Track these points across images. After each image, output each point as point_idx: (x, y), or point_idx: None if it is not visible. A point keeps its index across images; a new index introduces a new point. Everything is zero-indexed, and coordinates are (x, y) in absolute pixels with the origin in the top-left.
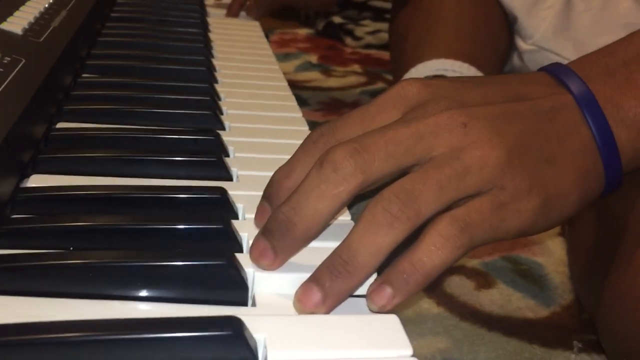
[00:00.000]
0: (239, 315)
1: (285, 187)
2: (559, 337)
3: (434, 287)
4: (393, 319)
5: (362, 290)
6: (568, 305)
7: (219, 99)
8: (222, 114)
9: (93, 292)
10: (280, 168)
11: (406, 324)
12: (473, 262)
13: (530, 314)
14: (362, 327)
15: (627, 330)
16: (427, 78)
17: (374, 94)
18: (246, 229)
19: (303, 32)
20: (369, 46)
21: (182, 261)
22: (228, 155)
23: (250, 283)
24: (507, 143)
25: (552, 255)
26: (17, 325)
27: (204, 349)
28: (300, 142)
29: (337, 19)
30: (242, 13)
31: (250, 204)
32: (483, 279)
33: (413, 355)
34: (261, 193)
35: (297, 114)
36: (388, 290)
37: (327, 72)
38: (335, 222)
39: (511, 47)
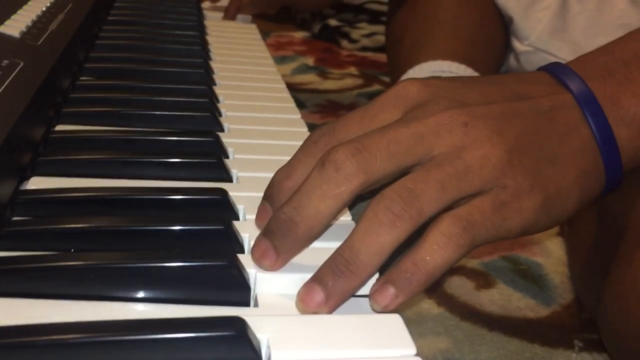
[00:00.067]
0: (241, 316)
1: (286, 187)
2: (559, 337)
3: (434, 288)
4: (396, 319)
5: (365, 290)
6: (568, 305)
7: (218, 101)
8: (220, 115)
9: (94, 293)
10: (281, 169)
11: (407, 324)
12: (473, 263)
13: (530, 314)
14: (365, 327)
15: (629, 329)
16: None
17: (371, 96)
18: (247, 230)
19: (299, 35)
20: (365, 49)
21: (184, 262)
22: (227, 157)
23: (252, 284)
24: (507, 142)
25: (551, 255)
26: (18, 327)
27: (207, 350)
28: (299, 143)
29: (333, 22)
30: (239, 15)
31: (251, 205)
32: (483, 279)
33: (416, 355)
34: (261, 194)
35: (296, 115)
36: (391, 290)
37: (323, 75)
38: (336, 222)
39: (507, 48)
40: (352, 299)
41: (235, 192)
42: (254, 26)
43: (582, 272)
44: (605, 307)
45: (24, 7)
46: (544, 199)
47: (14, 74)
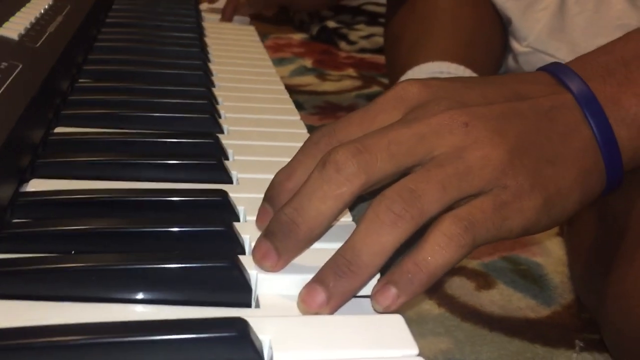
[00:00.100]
0: (243, 317)
1: (287, 188)
2: (560, 337)
3: (434, 289)
4: (398, 319)
5: (367, 290)
6: (568, 305)
7: (217, 102)
8: (220, 117)
9: (95, 295)
10: (281, 170)
11: (407, 325)
12: (473, 263)
13: (531, 314)
14: (367, 327)
15: (631, 328)
16: None
17: (370, 98)
18: (248, 231)
19: (297, 37)
20: (363, 50)
21: (185, 263)
22: (227, 158)
23: (254, 285)
24: (508, 142)
25: (551, 255)
26: (18, 329)
27: (209, 351)
28: (299, 144)
29: (331, 24)
30: (237, 17)
31: (251, 206)
32: (483, 280)
33: (419, 355)
34: (261, 195)
35: (295, 116)
36: (393, 291)
37: (322, 76)
38: (337, 223)
39: (506, 49)
40: (354, 300)
41: (235, 194)
42: (252, 28)
43: (582, 272)
44: (606, 307)
45: (23, 9)
46: (545, 199)
47: (12, 76)
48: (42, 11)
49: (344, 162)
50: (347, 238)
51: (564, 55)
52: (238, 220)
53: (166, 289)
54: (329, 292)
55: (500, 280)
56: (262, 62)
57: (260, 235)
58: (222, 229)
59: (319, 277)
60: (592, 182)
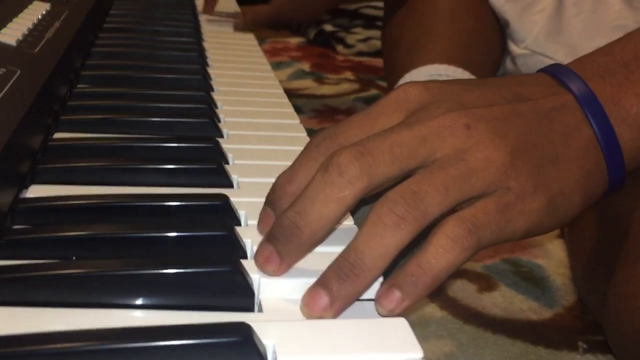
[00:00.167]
0: (246, 322)
1: (288, 192)
2: (563, 339)
3: (437, 292)
4: (402, 322)
5: (370, 294)
6: (571, 307)
7: (216, 106)
8: (219, 121)
9: (97, 301)
10: (282, 173)
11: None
12: (474, 266)
13: (533, 316)
14: (371, 331)
15: (636, 329)
16: None
17: (368, 101)
18: (249, 235)
19: (294, 40)
20: (360, 53)
21: (187, 268)
22: (227, 163)
23: (256, 289)
24: (509, 144)
25: (552, 257)
26: (19, 336)
27: (213, 356)
28: (299, 148)
29: (328, 27)
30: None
31: (253, 210)
32: (485, 282)
33: (423, 358)
34: (262, 199)
35: (295, 120)
36: (397, 294)
37: (320, 80)
38: (339, 227)
39: (504, 51)
40: (358, 303)
41: (236, 198)
42: (250, 33)
43: (584, 273)
44: (610, 308)
45: (20, 15)
46: (548, 200)
47: (11, 82)
48: (40, 17)
49: (346, 165)
50: (349, 241)
51: (562, 57)
52: (239, 224)
53: (168, 294)
54: (332, 295)
55: (502, 283)
56: (261, 66)
57: (263, 239)
58: (224, 233)
59: (322, 280)
60: (594, 183)
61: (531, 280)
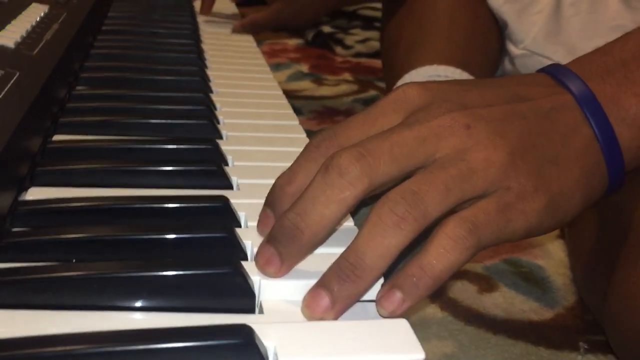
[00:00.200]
0: (247, 323)
1: (288, 193)
2: (564, 339)
3: (437, 293)
4: (403, 323)
5: (371, 295)
6: (571, 307)
7: (215, 108)
8: (218, 123)
9: (97, 303)
10: (282, 174)
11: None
12: (475, 267)
13: (534, 317)
14: (373, 332)
15: (637, 329)
16: None
17: (367, 102)
18: (250, 237)
19: (293, 42)
20: (359, 55)
21: (188, 270)
22: (227, 164)
23: (257, 291)
24: (509, 144)
25: (552, 257)
26: (20, 339)
27: (214, 359)
28: (298, 149)
29: (326, 29)
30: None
31: (253, 211)
32: (485, 283)
33: (426, 359)
34: (262, 200)
35: (294, 121)
36: (398, 295)
37: (318, 81)
38: (340, 228)
39: (502, 52)
40: (359, 304)
41: (236, 199)
42: (249, 34)
43: (585, 273)
44: (611, 308)
45: (19, 17)
46: (548, 200)
47: (10, 84)
48: (38, 19)
49: (347, 166)
50: (349, 243)
51: (561, 57)
52: (239, 226)
53: (168, 296)
54: (334, 296)
55: (502, 283)
56: (260, 67)
57: (263, 241)
58: (224, 235)
59: (323, 281)
60: (594, 183)
61: (532, 281)
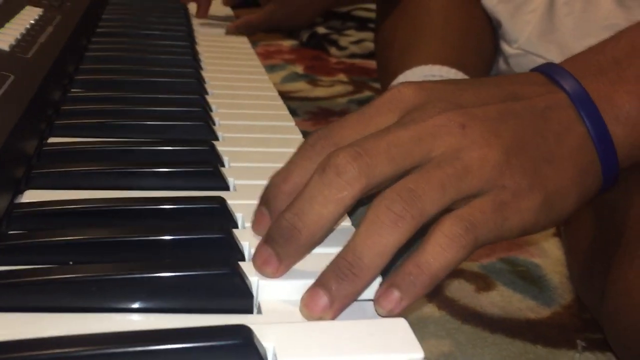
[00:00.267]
0: (245, 324)
1: (283, 191)
2: (562, 337)
3: (434, 292)
4: (402, 323)
5: (369, 294)
6: (569, 305)
7: (211, 109)
8: (214, 124)
9: (95, 305)
10: (277, 173)
11: None
12: (471, 265)
13: (531, 315)
14: (371, 332)
15: (636, 327)
16: None
17: (362, 103)
18: (247, 238)
19: (287, 43)
20: (353, 55)
21: (185, 271)
22: (223, 165)
23: (255, 291)
24: (504, 143)
25: (549, 255)
26: (17, 342)
27: (214, 359)
28: (294, 150)
29: (321, 30)
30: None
31: (249, 212)
32: (482, 282)
33: (424, 358)
34: None
35: (290, 122)
36: (396, 294)
37: (313, 82)
38: (337, 228)
39: (496, 51)
40: (357, 304)
41: (233, 200)
42: (243, 36)
43: (581, 271)
44: (608, 306)
45: (12, 20)
46: (543, 198)
47: (4, 87)
48: (33, 22)
49: (344, 165)
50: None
51: (555, 56)
52: (236, 227)
53: (167, 297)
54: (332, 295)
55: (499, 282)
56: (255, 68)
57: (261, 241)
58: (221, 235)
59: (320, 281)
60: (588, 181)
61: (528, 279)
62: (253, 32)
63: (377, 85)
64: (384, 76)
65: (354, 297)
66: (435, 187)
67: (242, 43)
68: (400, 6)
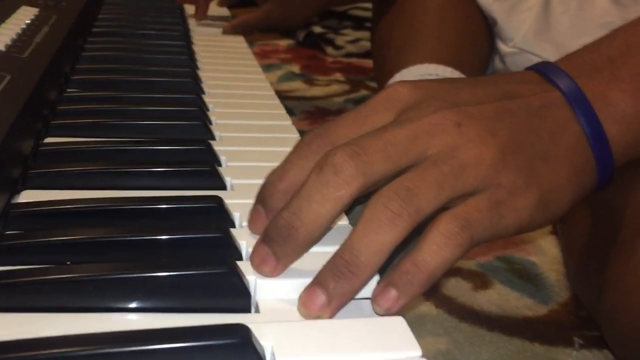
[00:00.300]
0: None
1: (280, 189)
2: (559, 335)
3: (432, 290)
4: (399, 321)
5: (367, 292)
6: (565, 303)
7: (207, 109)
8: (211, 124)
9: (92, 305)
10: (273, 171)
11: None
12: (468, 264)
13: (529, 313)
14: (369, 330)
15: (633, 324)
16: None
17: (358, 102)
18: (244, 237)
19: (284, 43)
20: (350, 55)
21: (183, 271)
22: (220, 165)
23: (252, 290)
24: (500, 141)
25: (545, 253)
26: (15, 342)
27: (212, 358)
28: (291, 149)
29: (317, 29)
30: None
31: (246, 211)
32: (480, 280)
33: (422, 356)
34: None
35: (287, 121)
36: (393, 293)
37: (310, 82)
38: (334, 227)
39: (492, 50)
40: (355, 303)
41: (229, 200)
42: (240, 35)
43: (578, 269)
44: (605, 304)
45: (8, 20)
46: (539, 196)
47: (0, 87)
48: (28, 22)
49: (341, 164)
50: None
51: (550, 55)
52: (234, 226)
53: (164, 297)
54: (329, 294)
55: (496, 280)
56: (251, 68)
57: (258, 240)
58: (219, 235)
59: (318, 279)
60: (584, 179)
61: (525, 277)
62: (250, 32)
63: (373, 84)
64: (381, 75)
65: (351, 296)
66: (431, 185)
67: (239, 42)
68: (397, 5)
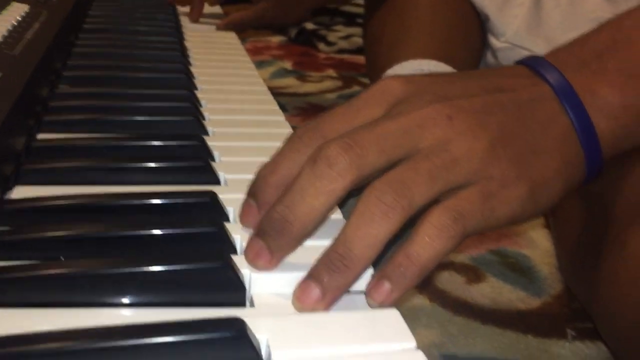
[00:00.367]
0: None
1: (271, 183)
2: (552, 327)
3: (425, 284)
4: (394, 313)
5: (361, 286)
6: (558, 295)
7: (200, 105)
8: (204, 119)
9: (87, 300)
10: (265, 164)
11: None
12: (461, 257)
13: (522, 306)
14: (364, 323)
15: (626, 316)
16: None
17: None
18: (238, 231)
19: (276, 39)
20: (342, 51)
21: (178, 265)
22: (214, 160)
23: (247, 284)
24: (490, 134)
25: (538, 246)
26: (9, 337)
27: (207, 352)
28: None
29: (309, 26)
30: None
31: (240, 206)
32: (473, 273)
33: (417, 348)
34: None
35: (280, 117)
36: (386, 286)
37: (302, 78)
38: (327, 220)
39: (484, 45)
40: (349, 296)
41: (223, 195)
42: (232, 32)
43: (571, 261)
44: (599, 295)
45: None
46: (530, 188)
47: None
48: (19, 18)
49: (335, 157)
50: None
51: (542, 49)
52: (228, 220)
53: (159, 291)
54: (324, 287)
55: (489, 273)
56: (244, 64)
57: (252, 234)
58: (213, 229)
59: (312, 273)
60: (573, 171)
61: (518, 271)
62: (244, 30)
63: (366, 80)
64: (373, 71)
65: (345, 289)
66: (424, 178)
67: (231, 39)
68: (389, 1)
